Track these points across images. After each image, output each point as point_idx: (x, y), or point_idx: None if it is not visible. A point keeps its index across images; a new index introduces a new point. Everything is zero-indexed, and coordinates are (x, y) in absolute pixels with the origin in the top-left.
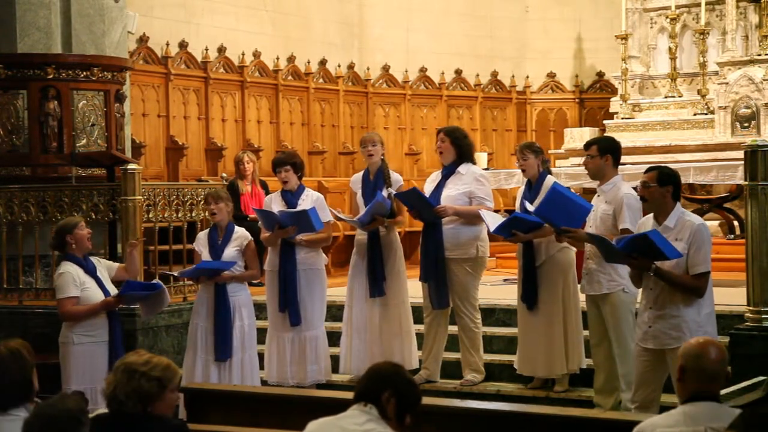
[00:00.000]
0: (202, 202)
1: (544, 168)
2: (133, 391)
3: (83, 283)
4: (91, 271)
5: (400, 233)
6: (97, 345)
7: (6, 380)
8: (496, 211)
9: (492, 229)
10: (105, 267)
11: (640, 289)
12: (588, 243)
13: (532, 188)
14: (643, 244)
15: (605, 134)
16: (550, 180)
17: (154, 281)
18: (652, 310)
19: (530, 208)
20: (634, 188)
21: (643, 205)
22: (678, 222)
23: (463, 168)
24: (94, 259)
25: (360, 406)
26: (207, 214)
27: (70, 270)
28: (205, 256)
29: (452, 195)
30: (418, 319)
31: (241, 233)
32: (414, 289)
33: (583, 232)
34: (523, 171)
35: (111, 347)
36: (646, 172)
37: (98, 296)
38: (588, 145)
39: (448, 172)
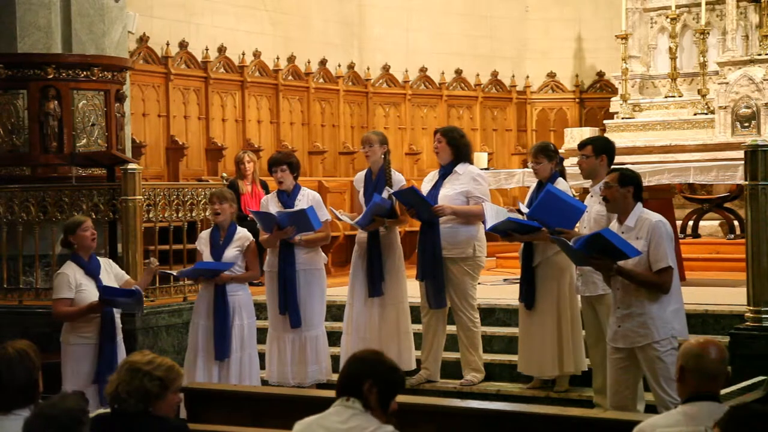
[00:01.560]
0: (203, 202)
1: (557, 170)
2: (135, 390)
3: (80, 285)
4: (92, 272)
5: (400, 233)
6: (90, 347)
7: (12, 380)
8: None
9: (487, 226)
10: (113, 273)
11: None
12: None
13: (541, 189)
14: (599, 244)
15: (602, 134)
16: (558, 183)
17: (133, 287)
18: (619, 310)
19: (524, 210)
20: None
21: (606, 206)
22: (638, 221)
23: (460, 168)
24: (104, 261)
25: (342, 401)
26: (210, 213)
27: (67, 271)
28: (206, 255)
29: (449, 195)
30: (416, 319)
31: (242, 234)
32: (412, 289)
33: (576, 234)
34: (535, 173)
35: (100, 350)
36: (608, 173)
37: (94, 298)
38: (582, 145)
39: (446, 171)
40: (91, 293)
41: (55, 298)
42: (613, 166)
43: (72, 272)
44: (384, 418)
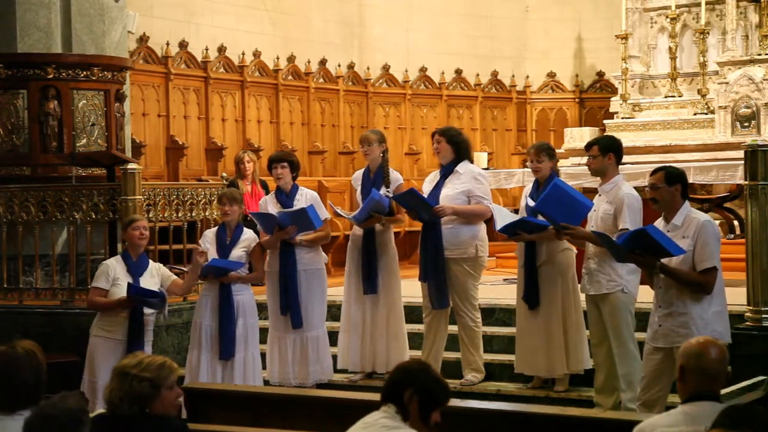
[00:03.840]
0: (203, 202)
1: (555, 169)
2: (126, 394)
3: (116, 279)
4: (135, 271)
5: (399, 233)
6: (113, 342)
7: (21, 381)
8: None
9: (498, 227)
10: (159, 274)
11: (640, 290)
12: (589, 241)
13: (540, 188)
14: (643, 240)
15: (606, 134)
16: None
17: (158, 289)
18: (661, 309)
19: (531, 203)
20: (636, 189)
21: (655, 207)
22: (685, 220)
23: (461, 167)
24: (153, 264)
25: (383, 407)
26: (219, 213)
27: (109, 263)
28: (212, 254)
29: (450, 195)
30: (417, 319)
31: (249, 235)
32: (414, 289)
33: (582, 230)
34: (536, 172)
35: (129, 347)
36: (652, 174)
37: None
38: (589, 146)
39: (447, 171)
40: (123, 290)
41: (92, 286)
42: (656, 167)
43: (114, 265)
44: (425, 428)
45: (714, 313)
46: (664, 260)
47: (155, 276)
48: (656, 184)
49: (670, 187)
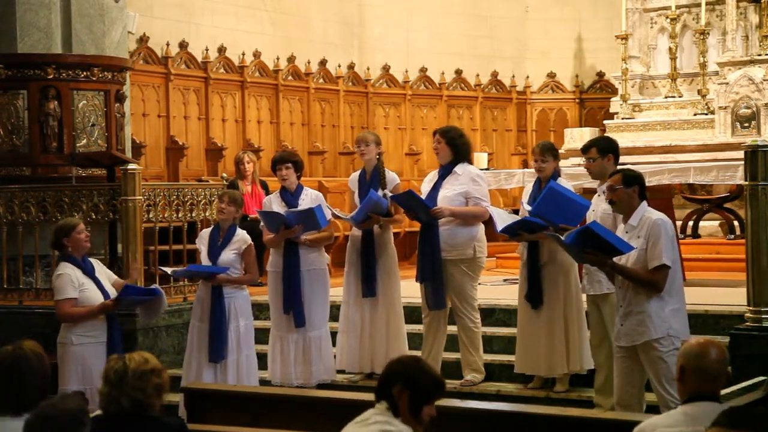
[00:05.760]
0: (203, 202)
1: (556, 170)
2: (155, 390)
3: (82, 285)
4: (89, 272)
5: (399, 233)
6: (96, 345)
7: (31, 382)
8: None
9: (499, 228)
10: (104, 271)
11: None
12: None
13: (541, 187)
14: (590, 237)
15: (601, 135)
16: (560, 181)
17: (153, 287)
18: (622, 308)
19: (527, 207)
20: None
21: (613, 209)
22: (640, 220)
23: (459, 168)
24: (93, 261)
25: (376, 405)
26: (215, 210)
27: (68, 271)
28: (203, 254)
29: (448, 195)
30: (416, 320)
31: (241, 237)
32: (413, 290)
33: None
34: (539, 171)
35: (109, 348)
36: (610, 176)
37: (97, 297)
38: (586, 148)
39: (445, 172)
40: (93, 292)
41: (60, 298)
42: (615, 170)
43: (72, 273)
44: (416, 424)
45: (671, 311)
46: (621, 260)
47: (103, 270)
48: (614, 186)
49: (627, 188)
